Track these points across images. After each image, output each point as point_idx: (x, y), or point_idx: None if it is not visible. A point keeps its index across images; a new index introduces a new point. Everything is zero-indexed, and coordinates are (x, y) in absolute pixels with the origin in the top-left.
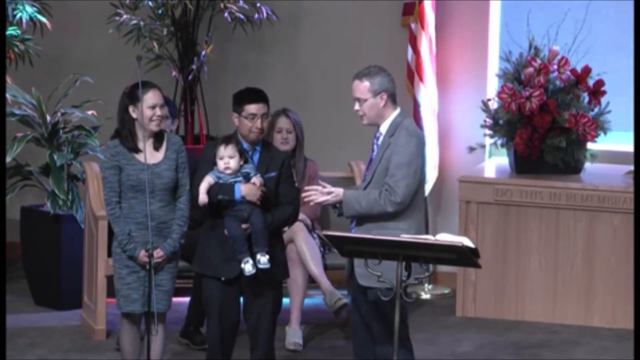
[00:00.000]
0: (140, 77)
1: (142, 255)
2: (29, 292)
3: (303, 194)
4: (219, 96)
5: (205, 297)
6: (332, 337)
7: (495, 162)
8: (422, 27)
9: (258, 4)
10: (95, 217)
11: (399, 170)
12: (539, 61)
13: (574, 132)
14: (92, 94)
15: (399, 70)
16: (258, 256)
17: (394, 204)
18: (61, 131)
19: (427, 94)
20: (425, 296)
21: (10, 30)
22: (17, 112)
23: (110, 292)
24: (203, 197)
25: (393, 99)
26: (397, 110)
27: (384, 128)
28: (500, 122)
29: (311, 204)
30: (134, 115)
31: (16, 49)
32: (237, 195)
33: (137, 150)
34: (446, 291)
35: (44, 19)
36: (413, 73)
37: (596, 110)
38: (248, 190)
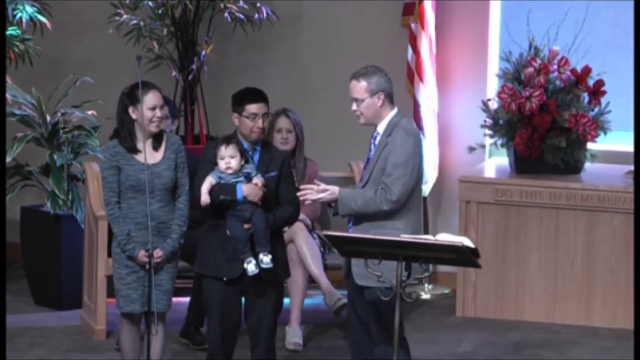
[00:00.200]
0: (140, 77)
1: (142, 255)
2: (29, 292)
3: (298, 193)
4: (219, 96)
5: (206, 298)
6: (332, 337)
7: (495, 162)
8: (422, 27)
9: (258, 4)
10: (95, 217)
11: (396, 169)
12: (539, 61)
13: (574, 132)
14: (92, 94)
15: (399, 70)
16: (261, 256)
17: (389, 202)
18: (61, 131)
19: (427, 94)
20: (425, 296)
21: (10, 30)
22: (17, 112)
23: (110, 292)
24: (205, 198)
25: (390, 99)
26: (395, 110)
27: (381, 128)
28: (500, 122)
29: (306, 202)
30: (134, 116)
31: (16, 49)
32: (239, 196)
33: (135, 150)
34: (446, 291)
35: (44, 19)
36: (413, 73)
37: (596, 110)
38: (250, 190)
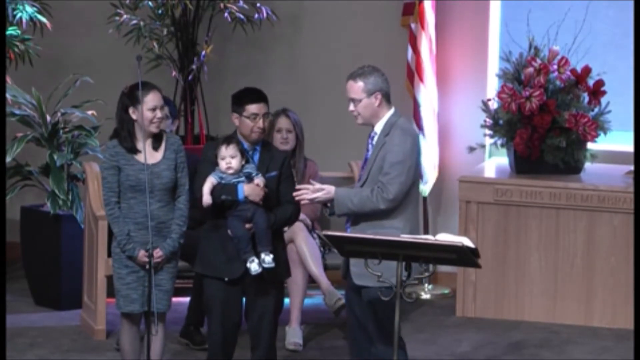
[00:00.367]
0: (140, 77)
1: (142, 255)
2: (29, 292)
3: (294, 193)
4: (219, 96)
5: (207, 298)
6: (332, 337)
7: (495, 162)
8: (422, 27)
9: (258, 4)
10: (95, 217)
11: (393, 168)
12: (539, 61)
13: (574, 132)
14: (92, 94)
15: (399, 70)
16: (262, 255)
17: (386, 200)
18: (61, 131)
19: (427, 94)
20: (425, 296)
21: (10, 30)
22: (17, 112)
23: (110, 292)
24: (207, 198)
25: (387, 99)
26: (392, 110)
27: (378, 127)
28: (500, 122)
29: (302, 202)
30: (134, 117)
31: (16, 49)
32: (241, 196)
33: (135, 150)
34: (446, 291)
35: (44, 19)
36: (413, 73)
37: (596, 110)
38: (251, 190)
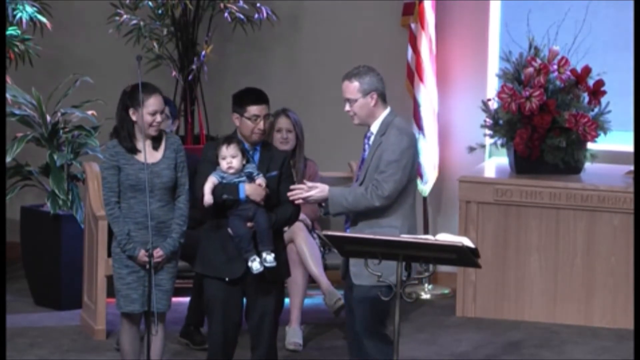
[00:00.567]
0: (140, 77)
1: (142, 255)
2: (29, 292)
3: (289, 194)
4: (219, 96)
5: (208, 298)
6: (332, 337)
7: (495, 162)
8: (422, 27)
9: (258, 4)
10: (95, 217)
11: (389, 167)
12: (539, 61)
13: (574, 132)
14: (92, 94)
15: (399, 70)
16: (264, 255)
17: (381, 198)
18: (61, 131)
19: (427, 94)
20: (425, 296)
21: (10, 30)
22: (17, 112)
23: (110, 292)
24: (208, 198)
25: (383, 98)
26: (388, 109)
27: (374, 127)
28: (500, 122)
29: (296, 202)
30: (134, 118)
31: (16, 49)
32: (242, 195)
33: (135, 150)
34: (446, 291)
35: (44, 19)
36: (413, 73)
37: (596, 110)
38: (252, 190)
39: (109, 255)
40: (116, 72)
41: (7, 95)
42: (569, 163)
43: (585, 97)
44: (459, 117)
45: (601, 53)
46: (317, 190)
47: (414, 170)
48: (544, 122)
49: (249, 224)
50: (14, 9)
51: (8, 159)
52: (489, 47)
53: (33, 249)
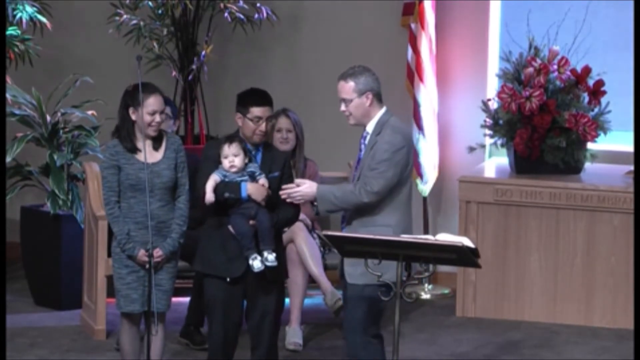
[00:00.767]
0: (140, 77)
1: (141, 254)
2: (29, 292)
3: (280, 192)
4: (219, 96)
5: (208, 298)
6: (332, 337)
7: (495, 162)
8: (422, 27)
9: (258, 4)
10: (95, 217)
11: (381, 164)
12: (539, 61)
13: (574, 132)
14: (92, 94)
15: (399, 70)
16: (265, 254)
17: (369, 194)
18: (61, 131)
19: (427, 94)
20: (425, 296)
21: (10, 30)
22: (17, 112)
23: (110, 292)
24: (210, 196)
25: (378, 98)
26: (383, 109)
27: (370, 127)
28: (500, 122)
29: (287, 200)
30: (133, 117)
31: (16, 49)
32: (244, 194)
33: (135, 150)
34: (446, 291)
35: (44, 19)
36: (413, 73)
37: (596, 110)
38: (255, 189)
39: (109, 255)
40: (116, 72)
41: (7, 95)
42: (569, 163)
43: (585, 97)
44: (459, 117)
45: (601, 53)
46: (306, 185)
47: (408, 170)
48: (544, 122)
49: (251, 222)
50: (14, 9)
51: (8, 159)
52: (489, 47)
53: (33, 249)
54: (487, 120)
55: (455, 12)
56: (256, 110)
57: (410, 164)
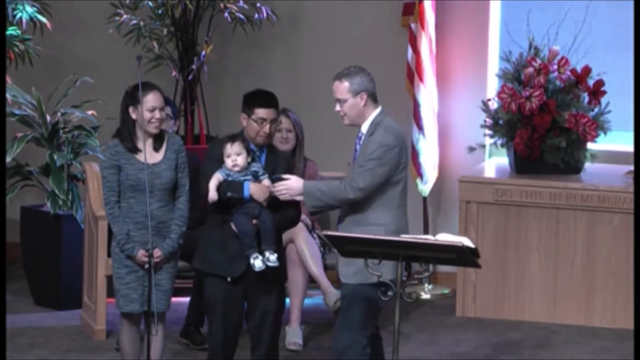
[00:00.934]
0: (140, 77)
1: (141, 254)
2: (29, 292)
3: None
4: (219, 96)
5: (208, 298)
6: (332, 337)
7: (495, 162)
8: (422, 27)
9: (258, 4)
10: (95, 217)
11: (368, 162)
12: (539, 61)
13: (574, 132)
14: (92, 94)
15: (399, 70)
16: (267, 254)
17: (354, 189)
18: (61, 131)
19: (427, 94)
20: (425, 296)
21: (10, 30)
22: (17, 112)
23: (110, 292)
24: (213, 194)
25: (373, 99)
26: (378, 109)
27: (364, 127)
28: (500, 122)
29: (282, 198)
30: (134, 116)
31: (16, 49)
32: (246, 193)
33: (136, 150)
34: (446, 291)
35: (44, 19)
36: (413, 73)
37: (596, 110)
38: (257, 189)
39: (109, 255)
40: (116, 72)
41: (7, 95)
42: (569, 163)
43: (585, 97)
44: (459, 117)
45: (601, 53)
46: (293, 180)
47: (401, 170)
48: (544, 122)
49: (254, 221)
50: (14, 9)
51: (8, 159)
52: (489, 47)
53: (33, 249)
54: (487, 120)
55: (455, 12)
56: (260, 112)
57: (403, 164)
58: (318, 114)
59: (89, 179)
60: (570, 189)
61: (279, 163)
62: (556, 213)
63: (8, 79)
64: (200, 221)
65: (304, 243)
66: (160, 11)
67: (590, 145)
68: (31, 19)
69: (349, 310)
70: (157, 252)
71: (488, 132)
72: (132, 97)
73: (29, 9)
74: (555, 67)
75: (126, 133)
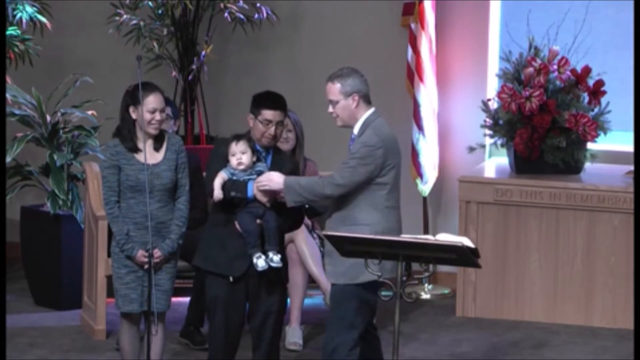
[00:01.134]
0: (140, 77)
1: (140, 255)
2: (29, 292)
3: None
4: (219, 96)
5: (210, 299)
6: None
7: (495, 162)
8: (422, 27)
9: (258, 4)
10: (95, 217)
11: (351, 160)
12: (539, 61)
13: (574, 132)
14: (92, 94)
15: (399, 70)
16: (271, 254)
17: (332, 185)
18: (61, 131)
19: (427, 94)
20: (425, 296)
21: (10, 30)
22: (17, 112)
23: (110, 292)
24: (218, 193)
25: (366, 100)
26: (370, 111)
27: (356, 129)
28: (500, 122)
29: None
30: (134, 116)
31: (16, 49)
32: (250, 194)
33: (136, 150)
34: (446, 291)
35: (44, 19)
36: (413, 73)
37: (596, 110)
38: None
39: (109, 255)
40: (116, 72)
41: (7, 95)
42: (569, 163)
43: (585, 97)
44: (459, 117)
45: (601, 53)
46: (276, 174)
47: (388, 172)
48: (544, 122)
49: (257, 221)
50: (14, 9)
51: (8, 159)
52: (489, 47)
53: (33, 249)
54: (487, 120)
55: (455, 12)
56: (267, 113)
57: (389, 166)
58: (318, 114)
59: (89, 179)
60: (570, 189)
61: (285, 166)
62: (556, 213)
63: (8, 79)
64: (200, 221)
65: (304, 243)
66: (160, 11)
67: (590, 145)
68: (31, 19)
69: (337, 310)
70: (157, 253)
71: (488, 132)
72: (132, 97)
73: (29, 9)
74: (555, 67)
75: (126, 132)
